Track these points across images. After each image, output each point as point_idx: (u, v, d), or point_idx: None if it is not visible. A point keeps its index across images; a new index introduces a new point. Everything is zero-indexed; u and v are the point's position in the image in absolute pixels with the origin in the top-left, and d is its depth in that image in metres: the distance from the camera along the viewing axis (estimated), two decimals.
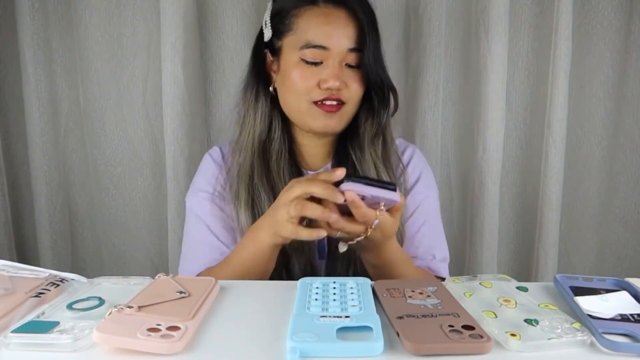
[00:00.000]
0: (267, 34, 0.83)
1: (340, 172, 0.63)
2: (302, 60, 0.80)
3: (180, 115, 1.12)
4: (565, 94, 1.12)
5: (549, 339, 0.46)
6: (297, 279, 0.61)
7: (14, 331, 0.47)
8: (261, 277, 0.75)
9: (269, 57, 0.86)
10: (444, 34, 1.15)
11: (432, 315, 0.50)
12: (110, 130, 1.23)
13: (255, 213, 0.83)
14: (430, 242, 0.91)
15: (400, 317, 0.50)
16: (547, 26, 1.15)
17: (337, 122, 0.83)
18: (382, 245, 0.71)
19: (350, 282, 0.60)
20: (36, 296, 0.55)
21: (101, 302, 0.55)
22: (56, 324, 0.49)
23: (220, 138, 1.22)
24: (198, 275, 0.84)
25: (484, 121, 1.15)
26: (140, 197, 1.26)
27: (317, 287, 0.58)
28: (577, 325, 0.48)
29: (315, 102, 0.81)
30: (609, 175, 1.25)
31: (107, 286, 0.62)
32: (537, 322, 0.49)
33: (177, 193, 1.15)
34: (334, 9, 0.79)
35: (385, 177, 0.86)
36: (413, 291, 0.57)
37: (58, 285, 0.59)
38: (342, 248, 0.70)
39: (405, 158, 0.93)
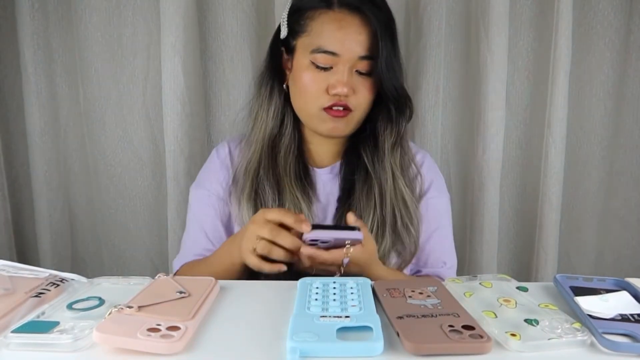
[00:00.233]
0: (284, 32, 0.83)
1: (306, 226, 0.65)
2: (313, 64, 0.79)
3: (180, 115, 1.12)
4: (565, 94, 1.12)
5: (549, 339, 0.46)
6: (298, 278, 0.62)
7: (14, 331, 0.47)
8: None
9: (285, 54, 0.86)
10: (444, 34, 1.15)
11: (432, 315, 0.50)
12: (110, 130, 1.23)
13: (258, 206, 0.84)
14: (441, 249, 0.91)
15: (400, 317, 0.50)
16: (547, 26, 1.15)
17: (344, 127, 0.84)
18: (367, 273, 0.71)
19: (350, 282, 0.60)
20: (36, 296, 0.55)
21: (101, 302, 0.55)
22: (56, 324, 0.49)
23: (220, 138, 1.22)
24: (181, 267, 0.88)
25: (484, 121, 1.15)
26: (140, 197, 1.26)
27: (317, 287, 0.58)
28: (577, 325, 0.48)
29: (323, 108, 0.81)
30: (609, 175, 1.25)
31: (107, 286, 0.62)
32: (537, 322, 0.49)
33: (177, 193, 1.15)
34: (348, 14, 0.78)
35: (402, 187, 0.85)
36: (413, 291, 0.57)
37: (58, 285, 0.59)
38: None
39: (416, 162, 0.93)
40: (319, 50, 0.78)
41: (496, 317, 0.51)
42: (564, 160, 1.17)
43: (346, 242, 0.67)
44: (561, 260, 1.24)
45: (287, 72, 0.86)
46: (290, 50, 0.84)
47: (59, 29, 1.19)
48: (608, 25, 1.17)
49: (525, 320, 0.50)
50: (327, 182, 0.90)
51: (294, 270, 0.72)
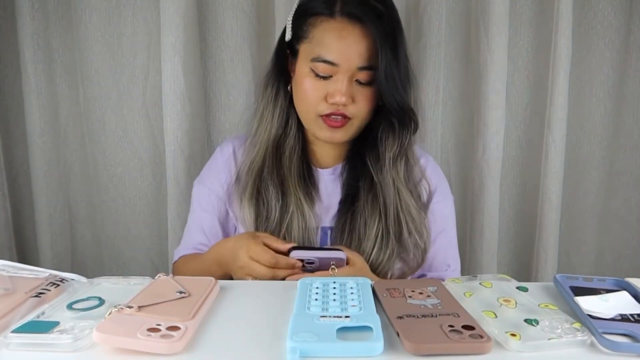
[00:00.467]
0: (288, 35, 0.83)
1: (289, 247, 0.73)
2: (313, 71, 0.79)
3: (180, 115, 1.12)
4: (565, 94, 1.12)
5: (549, 339, 0.46)
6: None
7: (14, 331, 0.47)
8: None
9: (290, 56, 0.86)
10: (444, 34, 1.15)
11: (432, 315, 0.50)
12: (110, 130, 1.23)
13: (260, 206, 0.84)
14: (446, 252, 0.91)
15: (400, 317, 0.50)
16: (547, 26, 1.15)
17: (342, 135, 0.83)
18: None
19: (350, 282, 0.60)
20: (36, 296, 0.55)
21: (101, 302, 0.55)
22: (56, 324, 0.49)
23: (221, 138, 1.22)
24: (178, 259, 0.92)
25: (484, 121, 1.15)
26: (140, 197, 1.26)
27: (317, 287, 0.58)
28: (577, 325, 0.48)
29: (321, 115, 0.81)
30: (609, 175, 1.25)
31: (107, 286, 0.62)
32: (537, 322, 0.49)
33: (177, 193, 1.15)
34: (349, 24, 0.76)
35: (407, 198, 0.85)
36: (413, 291, 0.57)
37: (58, 285, 0.59)
38: None
39: (420, 167, 0.92)
40: (319, 60, 0.78)
41: (496, 317, 0.51)
42: (564, 160, 1.17)
43: (331, 263, 0.71)
44: (561, 260, 1.24)
45: (292, 74, 0.86)
46: (294, 54, 0.83)
47: (59, 29, 1.19)
48: (608, 25, 1.17)
49: (525, 320, 0.50)
50: (329, 182, 0.90)
51: None
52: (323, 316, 0.50)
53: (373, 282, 0.61)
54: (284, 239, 0.82)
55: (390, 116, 0.82)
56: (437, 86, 1.17)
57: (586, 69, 1.20)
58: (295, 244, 0.75)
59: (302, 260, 0.72)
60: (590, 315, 0.51)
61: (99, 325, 0.46)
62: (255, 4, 1.17)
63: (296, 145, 0.88)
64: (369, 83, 0.80)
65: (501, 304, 0.54)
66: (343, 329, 0.47)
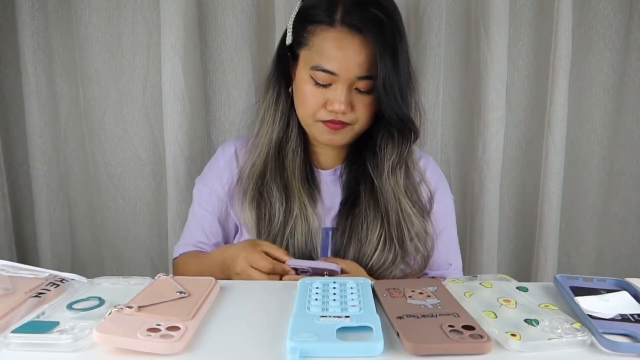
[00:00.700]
0: (289, 39, 0.83)
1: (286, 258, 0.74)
2: (312, 78, 0.79)
3: (180, 115, 1.12)
4: (565, 94, 1.12)
5: (549, 339, 0.46)
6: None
7: (14, 331, 0.47)
8: None
9: (290, 60, 0.85)
10: (444, 34, 1.15)
11: (432, 315, 0.50)
12: (110, 130, 1.23)
13: (262, 209, 0.84)
14: (447, 251, 0.92)
15: (400, 317, 0.50)
16: (547, 26, 1.15)
17: (341, 138, 0.84)
18: None
19: (350, 282, 0.60)
20: (36, 296, 0.55)
21: (101, 302, 0.55)
22: (56, 324, 0.49)
23: (221, 138, 1.22)
24: (178, 256, 0.92)
25: (484, 121, 1.15)
26: (140, 197, 1.26)
27: (317, 287, 0.58)
28: (577, 325, 0.48)
29: (321, 121, 0.82)
30: (609, 175, 1.25)
31: (107, 286, 0.62)
32: (537, 322, 0.49)
33: (177, 193, 1.15)
34: (348, 33, 0.75)
35: (408, 207, 0.85)
36: (413, 291, 0.57)
37: (58, 285, 0.59)
38: None
39: (420, 169, 0.92)
40: (318, 68, 0.77)
41: (496, 317, 0.51)
42: (564, 160, 1.17)
43: (324, 273, 0.72)
44: (561, 260, 1.24)
45: (293, 77, 0.86)
46: (295, 58, 0.83)
47: (59, 29, 1.18)
48: (608, 25, 1.17)
49: (525, 320, 0.50)
50: (330, 183, 0.90)
51: None
52: (323, 316, 0.50)
53: (373, 282, 0.61)
54: (287, 241, 0.82)
55: (389, 126, 0.82)
56: (437, 86, 1.17)
57: (586, 69, 1.20)
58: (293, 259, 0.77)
59: (296, 270, 0.74)
60: (590, 315, 0.51)
61: (99, 325, 0.46)
62: (255, 4, 1.17)
63: (298, 147, 0.88)
64: (368, 91, 0.79)
65: (501, 304, 0.54)
66: (343, 329, 0.47)
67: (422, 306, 0.53)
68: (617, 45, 1.18)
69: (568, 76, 1.11)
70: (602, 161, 1.24)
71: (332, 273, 0.73)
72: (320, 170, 0.91)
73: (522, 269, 1.29)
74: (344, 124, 0.81)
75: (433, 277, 0.90)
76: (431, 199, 0.89)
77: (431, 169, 0.93)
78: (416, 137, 0.86)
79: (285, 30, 0.85)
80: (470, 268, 1.21)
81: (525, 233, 1.28)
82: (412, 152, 0.88)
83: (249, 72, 1.19)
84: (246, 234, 0.87)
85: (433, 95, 1.17)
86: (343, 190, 0.89)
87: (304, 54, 0.80)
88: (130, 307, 0.50)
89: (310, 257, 0.84)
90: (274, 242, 0.82)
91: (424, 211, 0.88)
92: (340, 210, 0.87)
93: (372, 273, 0.82)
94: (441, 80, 1.18)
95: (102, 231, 1.29)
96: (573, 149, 1.23)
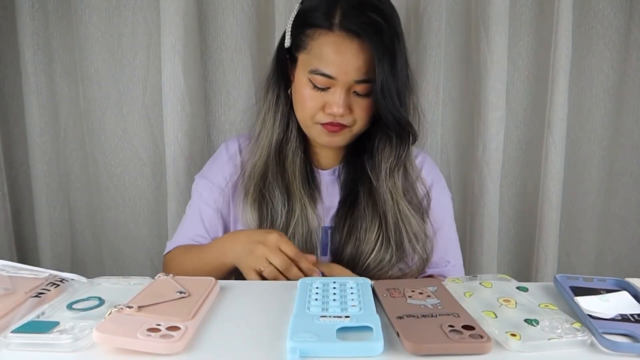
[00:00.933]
0: (288, 42, 0.83)
1: (316, 274, 0.72)
2: (311, 82, 0.79)
3: (180, 115, 1.12)
4: (565, 94, 1.12)
5: (549, 339, 0.46)
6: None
7: (14, 331, 0.47)
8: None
9: (289, 62, 0.85)
10: (444, 34, 1.15)
11: (432, 315, 0.50)
12: (110, 130, 1.23)
13: (264, 210, 0.85)
14: (445, 248, 0.91)
15: (400, 317, 0.50)
16: (547, 26, 1.15)
17: (340, 139, 0.84)
18: None
19: (350, 282, 0.60)
20: (36, 296, 0.55)
21: (101, 302, 0.55)
22: (56, 324, 0.49)
23: (221, 138, 1.22)
24: (172, 250, 0.90)
25: (484, 121, 1.15)
26: (140, 197, 1.26)
27: (317, 287, 0.58)
28: (577, 325, 0.48)
29: (319, 123, 0.82)
30: (609, 175, 1.25)
31: (107, 286, 0.62)
32: (537, 322, 0.49)
33: (177, 193, 1.15)
34: (347, 38, 0.75)
35: (406, 210, 0.85)
36: (413, 291, 0.57)
37: (58, 285, 0.59)
38: None
39: (416, 166, 0.92)
40: (317, 72, 0.78)
41: (496, 317, 0.51)
42: (564, 160, 1.17)
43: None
44: (561, 260, 1.24)
45: (292, 78, 0.86)
46: (293, 60, 0.83)
47: (59, 29, 1.18)
48: (608, 25, 1.17)
49: (525, 320, 0.50)
50: (329, 183, 0.91)
51: None
52: (323, 316, 0.50)
53: (373, 282, 0.61)
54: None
55: (387, 129, 0.83)
56: (437, 86, 1.17)
57: (586, 69, 1.20)
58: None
59: None
60: (590, 315, 0.51)
61: (99, 325, 0.46)
62: (255, 4, 1.17)
63: (298, 148, 0.88)
64: (366, 94, 0.80)
65: (501, 304, 0.54)
66: (343, 329, 0.47)
67: (422, 306, 0.53)
68: (617, 45, 1.18)
69: (568, 76, 1.11)
70: (602, 161, 1.24)
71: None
72: (320, 171, 0.92)
73: (522, 269, 1.29)
74: (342, 127, 0.81)
75: (431, 276, 0.90)
76: (427, 196, 0.90)
77: (427, 167, 0.94)
78: (414, 140, 0.86)
79: (284, 32, 0.85)
80: (470, 268, 1.21)
81: (525, 233, 1.28)
82: (410, 155, 0.88)
83: (249, 72, 1.19)
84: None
85: (433, 95, 1.17)
86: (342, 190, 0.90)
87: (302, 58, 0.81)
88: (130, 307, 0.50)
89: (312, 248, 0.84)
90: None
91: (423, 213, 0.88)
92: (338, 210, 0.88)
93: (369, 272, 0.83)
94: (441, 80, 1.18)
95: (102, 231, 1.29)
96: (573, 149, 1.23)
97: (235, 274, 0.79)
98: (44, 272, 0.62)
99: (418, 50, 1.16)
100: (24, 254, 1.28)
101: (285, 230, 0.83)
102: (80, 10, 1.16)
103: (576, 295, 0.55)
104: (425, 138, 1.18)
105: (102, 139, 1.23)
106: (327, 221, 0.88)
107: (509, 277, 0.62)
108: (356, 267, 0.83)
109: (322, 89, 0.79)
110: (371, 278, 0.63)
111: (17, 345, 0.46)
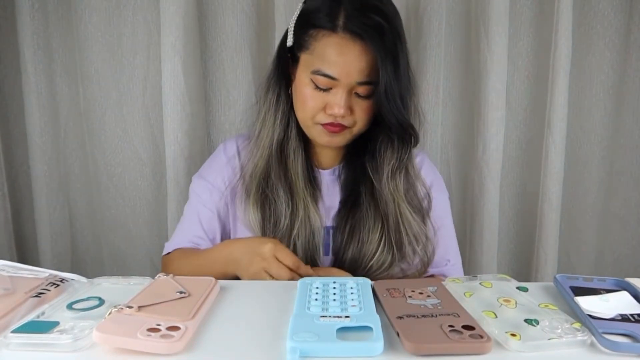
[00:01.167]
0: (290, 41, 0.83)
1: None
2: (313, 82, 0.79)
3: (180, 115, 1.12)
4: (565, 94, 1.12)
5: (549, 339, 0.46)
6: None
7: (14, 331, 0.47)
8: None
9: (290, 61, 0.85)
10: (444, 34, 1.15)
11: (432, 315, 0.50)
12: (110, 130, 1.23)
13: (267, 210, 0.85)
14: (445, 248, 0.92)
15: (400, 317, 0.50)
16: (547, 26, 1.15)
17: (340, 139, 0.84)
18: None
19: (350, 282, 0.60)
20: (36, 296, 0.55)
21: (101, 302, 0.55)
22: (56, 324, 0.49)
23: (221, 138, 1.22)
24: (173, 251, 0.90)
25: (484, 121, 1.15)
26: (140, 197, 1.26)
27: (317, 287, 0.58)
28: (577, 325, 0.48)
29: (320, 123, 0.82)
30: (609, 175, 1.25)
31: (107, 286, 0.62)
32: (537, 322, 0.49)
33: (177, 193, 1.15)
34: (350, 40, 0.75)
35: (407, 213, 0.85)
36: (413, 291, 0.57)
37: (58, 285, 0.59)
38: None
39: (415, 166, 0.93)
40: (319, 73, 0.78)
41: (496, 317, 0.51)
42: (564, 160, 1.17)
43: None
44: (561, 260, 1.24)
45: (293, 77, 0.86)
46: (295, 60, 0.83)
47: (59, 29, 1.18)
48: (608, 25, 1.17)
49: (525, 320, 0.50)
50: (330, 183, 0.91)
51: None
52: (323, 316, 0.50)
53: (373, 282, 0.61)
54: (293, 241, 0.83)
55: (389, 131, 0.83)
56: (437, 86, 1.17)
57: (586, 69, 1.20)
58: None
59: None
60: (590, 315, 0.51)
61: (99, 325, 0.46)
62: (255, 4, 1.17)
63: (298, 147, 0.88)
64: (367, 96, 0.80)
65: (501, 304, 0.54)
66: (343, 329, 0.47)
67: (422, 306, 0.53)
68: (617, 45, 1.18)
69: (568, 76, 1.11)
70: (602, 161, 1.24)
71: None
72: (320, 170, 0.92)
73: (522, 269, 1.29)
74: (342, 127, 0.82)
75: (432, 276, 0.91)
76: (427, 197, 0.90)
77: (426, 167, 0.94)
78: (416, 142, 0.86)
79: (286, 32, 0.85)
80: (470, 268, 1.21)
81: (525, 233, 1.28)
82: (412, 157, 0.88)
83: (249, 72, 1.19)
84: (246, 232, 0.87)
85: (433, 95, 1.17)
86: (342, 190, 0.90)
87: (304, 57, 0.80)
88: (130, 307, 0.50)
89: (313, 256, 0.84)
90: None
91: (424, 214, 0.88)
92: (340, 210, 0.88)
93: (370, 275, 0.83)
94: (441, 80, 1.18)
95: (102, 231, 1.29)
96: (573, 149, 1.23)
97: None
98: (44, 272, 0.62)
99: (418, 50, 1.16)
100: (24, 254, 1.28)
101: (289, 230, 0.83)
102: (80, 10, 1.16)
103: (576, 295, 0.55)
104: (425, 138, 1.18)
105: (102, 139, 1.23)
106: (328, 221, 0.88)
107: (509, 277, 0.62)
108: (358, 268, 0.83)
109: (324, 90, 0.79)
110: (372, 279, 0.63)
111: (17, 345, 0.46)
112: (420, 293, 0.57)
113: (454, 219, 0.97)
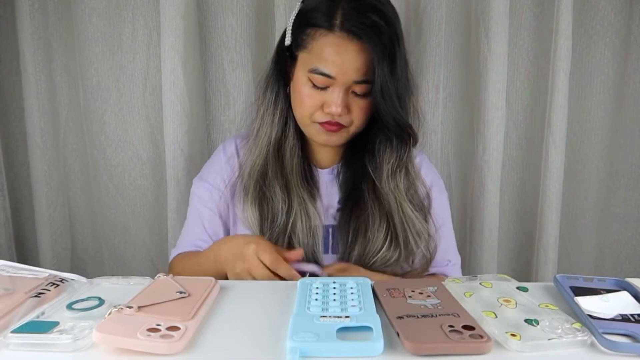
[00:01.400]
0: (288, 40, 0.83)
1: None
2: (310, 81, 0.80)
3: (180, 115, 1.12)
4: (565, 94, 1.12)
5: (549, 339, 0.46)
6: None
7: (14, 331, 0.47)
8: None
9: (289, 60, 0.86)
10: (444, 34, 1.15)
11: (432, 315, 0.50)
12: (110, 130, 1.23)
13: (265, 208, 0.85)
14: (445, 248, 0.92)
15: (400, 317, 0.50)
16: (547, 26, 1.15)
17: (337, 138, 0.85)
18: None
19: (350, 282, 0.60)
20: (36, 296, 0.55)
21: (101, 302, 0.55)
22: (56, 324, 0.49)
23: (220, 138, 1.22)
24: (175, 257, 0.91)
25: (484, 121, 1.15)
26: (140, 197, 1.26)
27: (317, 287, 0.58)
28: (577, 325, 0.48)
29: (317, 122, 0.82)
30: (609, 175, 1.25)
31: (107, 286, 0.62)
32: (537, 322, 0.49)
33: (177, 193, 1.15)
34: (347, 39, 0.76)
35: (409, 212, 0.85)
36: (413, 291, 0.57)
37: (58, 285, 0.59)
38: None
39: (415, 166, 0.93)
40: (316, 72, 0.78)
41: (496, 317, 0.51)
42: (564, 160, 1.17)
43: (307, 274, 0.74)
44: (561, 260, 1.24)
45: (291, 77, 0.86)
46: (293, 59, 0.84)
47: (59, 29, 1.19)
48: (608, 25, 1.17)
49: (526, 321, 0.50)
50: (328, 182, 0.91)
51: None
52: (323, 316, 0.50)
53: (373, 282, 0.61)
54: (290, 239, 0.83)
55: (387, 131, 0.83)
56: (437, 86, 1.17)
57: (586, 69, 1.20)
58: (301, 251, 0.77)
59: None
60: (590, 315, 0.51)
61: (98, 325, 0.46)
62: (255, 4, 1.17)
63: (295, 146, 0.88)
64: (364, 95, 0.80)
65: (501, 304, 0.54)
66: (343, 329, 0.47)
67: (422, 306, 0.53)
68: (617, 45, 1.18)
69: (568, 76, 1.11)
70: (602, 161, 1.24)
71: (313, 274, 0.74)
72: (318, 169, 0.92)
73: (522, 269, 1.29)
74: (339, 126, 0.82)
75: (433, 275, 0.91)
76: (427, 197, 0.90)
77: (425, 167, 0.95)
78: (415, 142, 0.86)
79: (284, 31, 0.85)
80: (470, 268, 1.21)
81: (525, 233, 1.28)
82: (411, 157, 0.89)
83: (249, 72, 1.19)
84: (245, 231, 0.87)
85: (433, 95, 1.17)
86: (341, 189, 0.90)
87: (302, 56, 0.81)
88: (130, 307, 0.50)
89: (313, 254, 0.85)
90: (276, 240, 0.82)
91: (425, 213, 0.88)
92: (342, 209, 0.88)
93: (373, 270, 0.83)
94: (441, 80, 1.18)
95: (102, 231, 1.29)
96: (573, 149, 1.23)
97: None
98: (43, 272, 0.62)
99: (418, 50, 1.16)
100: (24, 254, 1.28)
101: (285, 227, 0.83)
102: (80, 10, 1.16)
103: (576, 295, 0.55)
104: (425, 138, 1.18)
105: (102, 139, 1.23)
106: (327, 220, 0.88)
107: (509, 277, 0.62)
108: (363, 266, 0.84)
109: (321, 88, 0.80)
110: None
111: (17, 345, 0.46)
112: (420, 293, 0.57)
113: (454, 219, 0.97)
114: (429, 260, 0.88)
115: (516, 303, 0.54)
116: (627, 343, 0.47)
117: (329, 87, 0.79)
